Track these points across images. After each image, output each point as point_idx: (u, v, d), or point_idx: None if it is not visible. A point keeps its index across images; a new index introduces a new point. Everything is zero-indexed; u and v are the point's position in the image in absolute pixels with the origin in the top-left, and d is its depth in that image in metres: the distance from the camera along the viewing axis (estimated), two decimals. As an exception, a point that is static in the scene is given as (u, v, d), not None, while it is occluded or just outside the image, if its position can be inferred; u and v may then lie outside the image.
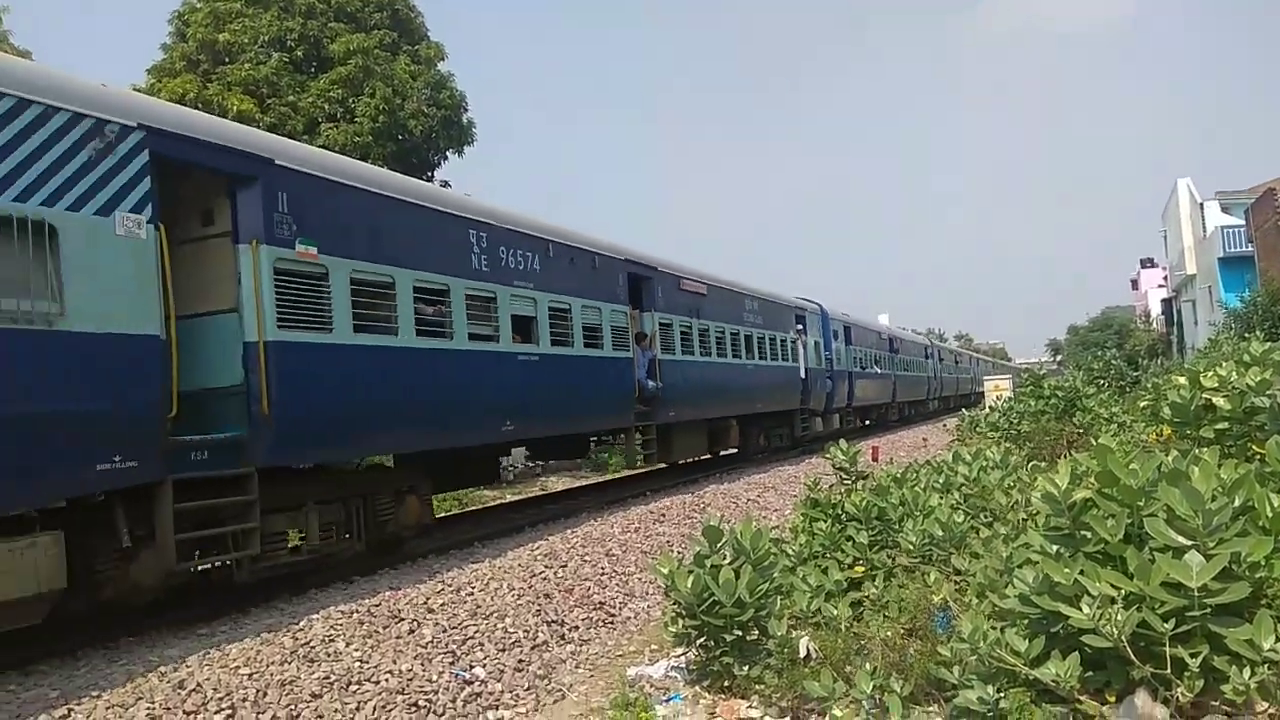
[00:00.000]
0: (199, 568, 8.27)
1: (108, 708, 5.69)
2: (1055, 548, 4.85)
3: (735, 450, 21.04)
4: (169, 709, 5.67)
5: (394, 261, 10.07)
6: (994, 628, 5.24)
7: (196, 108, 16.64)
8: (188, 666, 6.36)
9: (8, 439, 6.27)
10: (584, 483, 21.65)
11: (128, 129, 7.33)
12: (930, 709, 5.64)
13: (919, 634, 6.20)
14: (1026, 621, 5.03)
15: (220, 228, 8.54)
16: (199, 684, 6.01)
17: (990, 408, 23.04)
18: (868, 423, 34.35)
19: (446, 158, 26.78)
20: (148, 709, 5.65)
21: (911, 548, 7.32)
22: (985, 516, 8.32)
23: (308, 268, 8.91)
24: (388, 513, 10.50)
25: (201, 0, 24.50)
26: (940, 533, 7.36)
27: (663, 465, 19.34)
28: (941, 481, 9.33)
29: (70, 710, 5.68)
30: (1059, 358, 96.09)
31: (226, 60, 23.68)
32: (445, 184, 24.92)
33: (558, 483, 22.20)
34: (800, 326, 24.93)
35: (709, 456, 20.68)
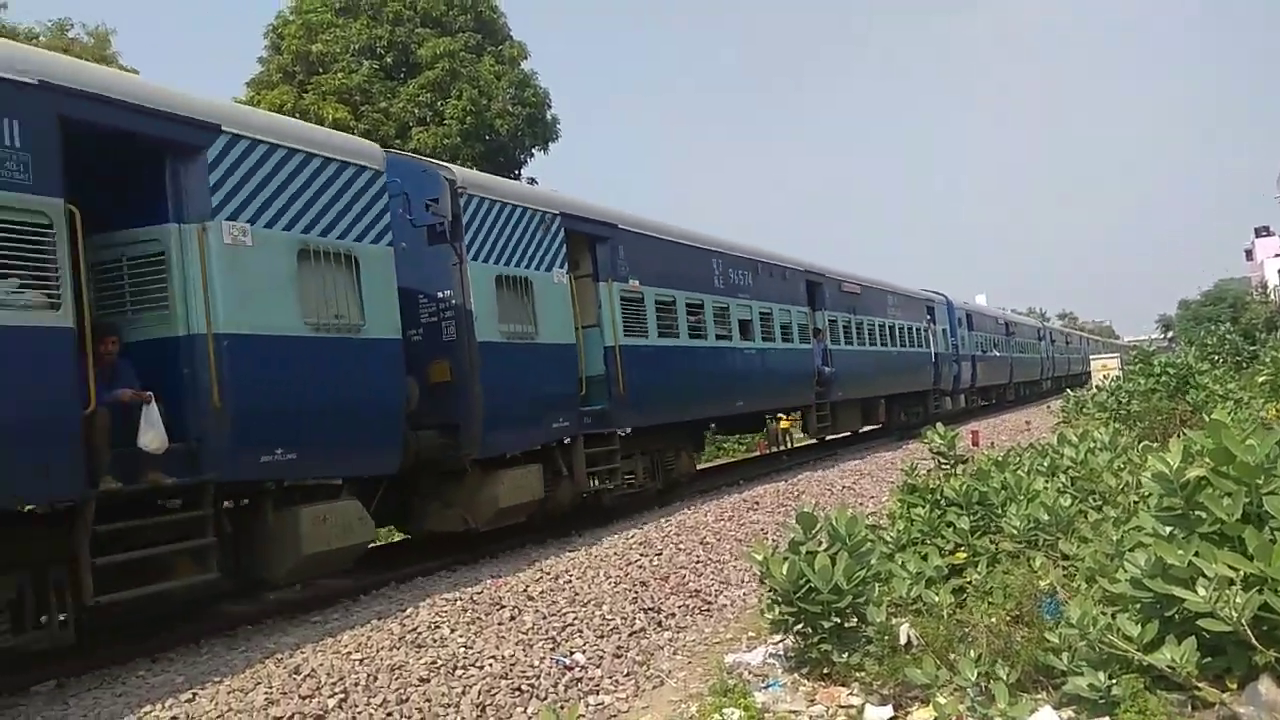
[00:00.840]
0: (591, 492, 12.23)
1: (229, 692, 5.98)
2: (1168, 529, 4.67)
3: (880, 425, 24.06)
4: (285, 693, 5.92)
5: (675, 286, 14.35)
6: (1105, 613, 5.09)
7: (295, 117, 17.26)
8: (303, 653, 6.65)
9: (531, 409, 10.83)
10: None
11: (555, 216, 11.68)
12: (1038, 696, 5.50)
13: (1025, 620, 6.05)
14: (1139, 606, 4.87)
15: (585, 270, 12.60)
16: (313, 669, 6.27)
17: (1097, 387, 22.21)
18: (987, 403, 35.82)
19: (532, 155, 27.19)
20: (266, 693, 5.92)
21: (1015, 532, 7.13)
22: (1093, 500, 8.06)
23: (634, 295, 13.19)
24: (671, 464, 14.36)
25: (294, 13, 25.38)
26: (1046, 517, 7.15)
27: (773, 450, 23.03)
28: (1046, 465, 9.06)
29: (195, 694, 5.99)
30: (1169, 334, 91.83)
31: (320, 70, 24.51)
32: (533, 181, 25.28)
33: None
34: (930, 317, 27.82)
35: (862, 430, 24.18)
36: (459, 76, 24.48)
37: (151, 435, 6.76)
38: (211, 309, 7.23)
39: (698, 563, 10.07)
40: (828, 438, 21.30)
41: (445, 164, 11.65)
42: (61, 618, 6.61)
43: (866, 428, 23.72)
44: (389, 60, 25.14)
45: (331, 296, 8.26)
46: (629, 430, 12.74)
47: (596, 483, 12.24)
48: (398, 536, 12.41)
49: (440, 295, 10.13)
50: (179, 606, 7.62)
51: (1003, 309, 49.65)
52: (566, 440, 11.44)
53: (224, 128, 7.54)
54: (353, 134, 15.92)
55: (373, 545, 10.72)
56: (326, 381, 8.16)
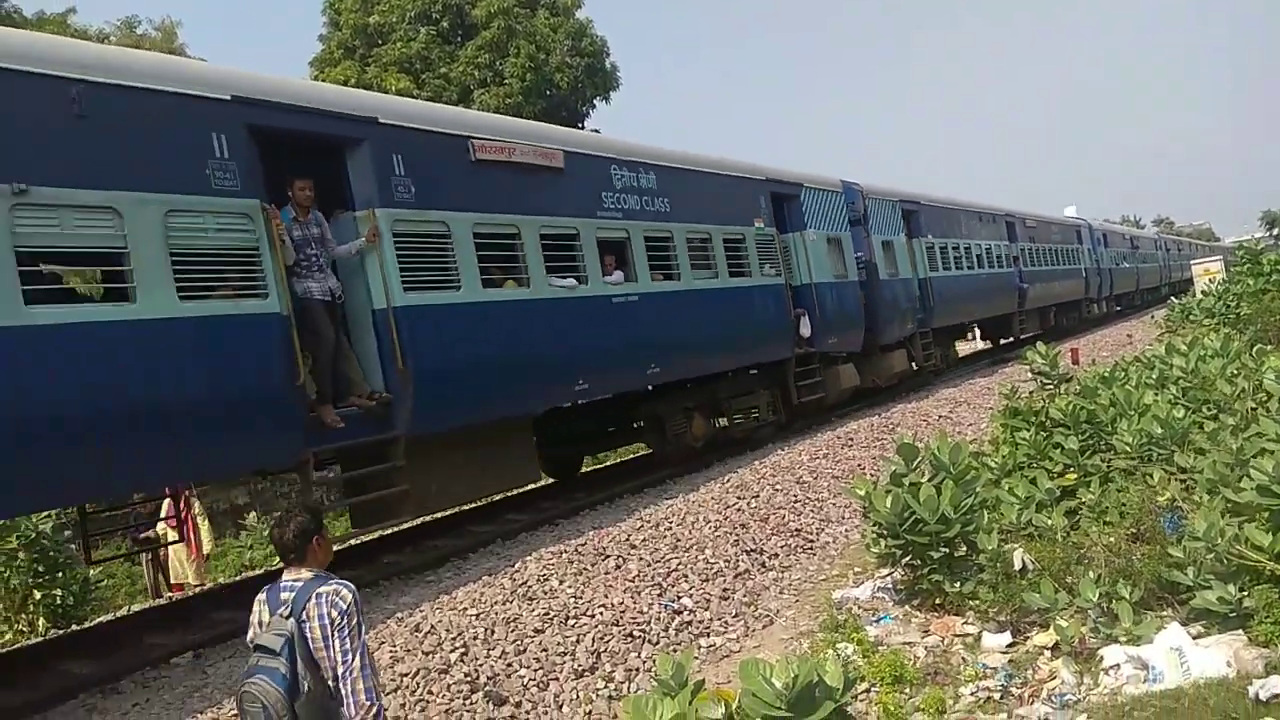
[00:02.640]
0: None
1: (357, 652, 6.23)
2: (1298, 433, 4.44)
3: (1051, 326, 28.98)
4: (409, 650, 6.14)
5: (951, 236, 21.16)
6: (1231, 524, 4.90)
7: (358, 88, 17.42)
8: (421, 611, 6.87)
9: (900, 320, 17.31)
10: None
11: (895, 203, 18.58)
12: (1164, 614, 5.36)
13: (1144, 538, 5.89)
14: (1268, 514, 4.67)
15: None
16: (433, 626, 6.47)
17: (1202, 293, 21.22)
18: (1120, 309, 39.92)
19: (594, 106, 26.97)
20: (390, 651, 6.14)
21: (1128, 449, 6.91)
22: (1207, 409, 7.75)
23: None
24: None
25: (350, -14, 25.53)
26: (1159, 430, 6.91)
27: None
28: (1155, 377, 8.73)
29: (325, 656, 6.26)
30: (1275, 231, 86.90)
31: (379, 42, 24.65)
32: (596, 131, 25.11)
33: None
34: (1078, 239, 33.02)
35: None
36: (515, 33, 24.34)
37: None
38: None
39: (796, 502, 10.04)
40: (1022, 337, 25.59)
41: (856, 182, 17.28)
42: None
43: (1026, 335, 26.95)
44: (445, 24, 25.13)
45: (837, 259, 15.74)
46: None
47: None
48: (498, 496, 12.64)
49: (859, 255, 16.44)
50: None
51: (1101, 220, 46.36)
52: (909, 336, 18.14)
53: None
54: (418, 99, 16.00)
55: (475, 505, 10.90)
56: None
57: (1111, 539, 5.85)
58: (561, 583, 7.35)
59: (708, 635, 6.78)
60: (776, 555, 8.46)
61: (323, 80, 22.82)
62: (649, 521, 9.11)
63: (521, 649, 6.22)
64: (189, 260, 6.50)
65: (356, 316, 8.07)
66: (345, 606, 3.48)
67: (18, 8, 21.93)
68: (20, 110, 5.79)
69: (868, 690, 5.26)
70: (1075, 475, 7.17)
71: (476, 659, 6.03)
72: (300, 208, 7.67)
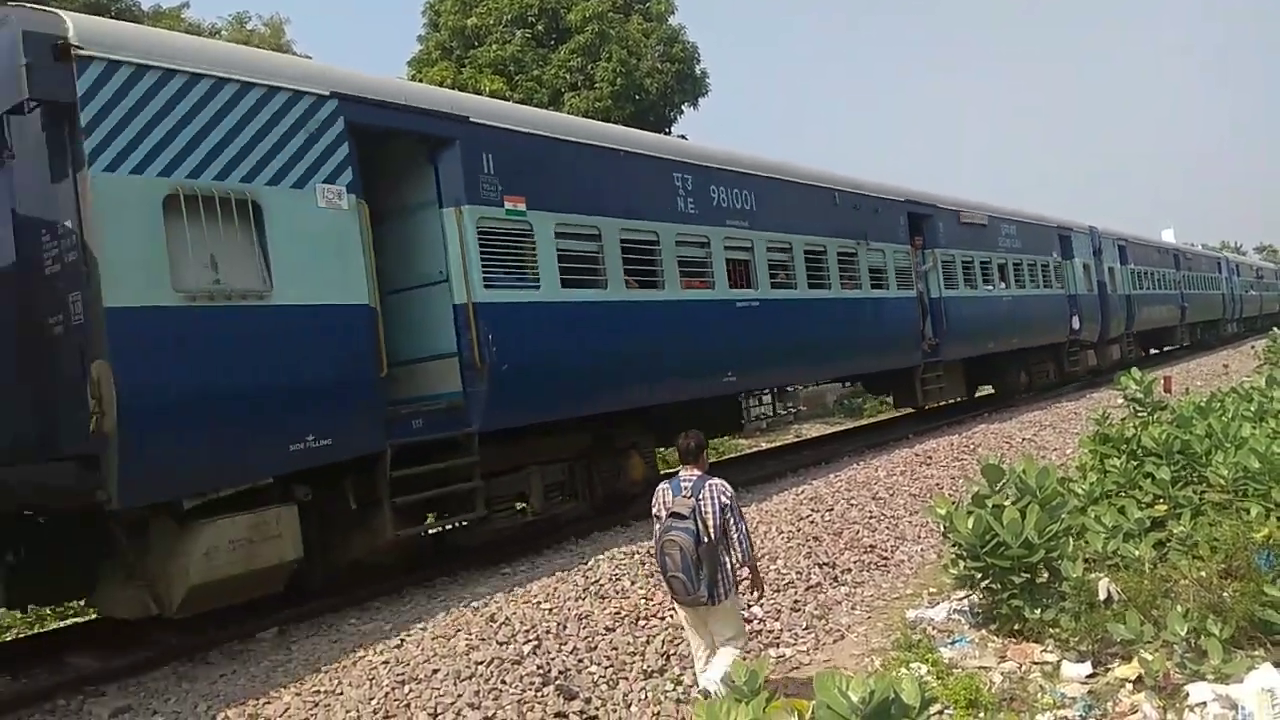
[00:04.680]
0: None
1: (433, 639, 6.40)
2: None
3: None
4: (484, 639, 6.29)
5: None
6: (1334, 566, 4.71)
7: (453, 89, 17.83)
8: (496, 602, 7.02)
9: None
10: (838, 428, 21.40)
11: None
12: (1255, 653, 5.18)
13: (1236, 574, 5.69)
14: (1377, 559, 4.47)
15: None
16: (508, 617, 6.62)
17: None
18: (1243, 331, 42.75)
19: (683, 112, 27.05)
20: (466, 640, 6.30)
21: (1223, 482, 6.68)
22: (1311, 446, 7.42)
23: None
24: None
25: (450, -11, 26.10)
26: (1256, 464, 6.66)
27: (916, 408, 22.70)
28: (1254, 409, 8.41)
29: (403, 640, 6.44)
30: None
31: (476, 44, 25.15)
32: (683, 137, 25.19)
33: (811, 429, 22.10)
34: (1218, 269, 38.77)
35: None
36: (608, 38, 24.57)
37: None
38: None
39: (871, 518, 9.94)
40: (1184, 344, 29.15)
41: (1096, 226, 22.61)
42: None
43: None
44: (540, 28, 25.50)
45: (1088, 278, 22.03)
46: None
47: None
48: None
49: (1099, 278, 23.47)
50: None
51: (1190, 244, 45.97)
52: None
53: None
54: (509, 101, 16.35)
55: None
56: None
57: (1202, 573, 5.68)
58: (633, 583, 7.42)
59: (777, 645, 6.77)
60: (849, 570, 8.39)
61: (420, 80, 23.40)
62: (722, 528, 9.11)
63: (593, 646, 6.32)
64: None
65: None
66: (730, 492, 5.42)
67: (136, 3, 23.00)
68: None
69: (940, 712, 5.20)
70: (1166, 506, 6.96)
71: (549, 653, 6.14)
72: None
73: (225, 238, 6.46)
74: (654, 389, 10.20)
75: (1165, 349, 32.05)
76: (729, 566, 5.36)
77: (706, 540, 5.22)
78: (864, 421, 22.37)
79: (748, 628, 6.89)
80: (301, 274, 6.84)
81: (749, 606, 7.14)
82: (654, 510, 5.54)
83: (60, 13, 6.14)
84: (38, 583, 6.89)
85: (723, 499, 5.32)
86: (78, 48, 5.91)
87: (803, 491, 10.97)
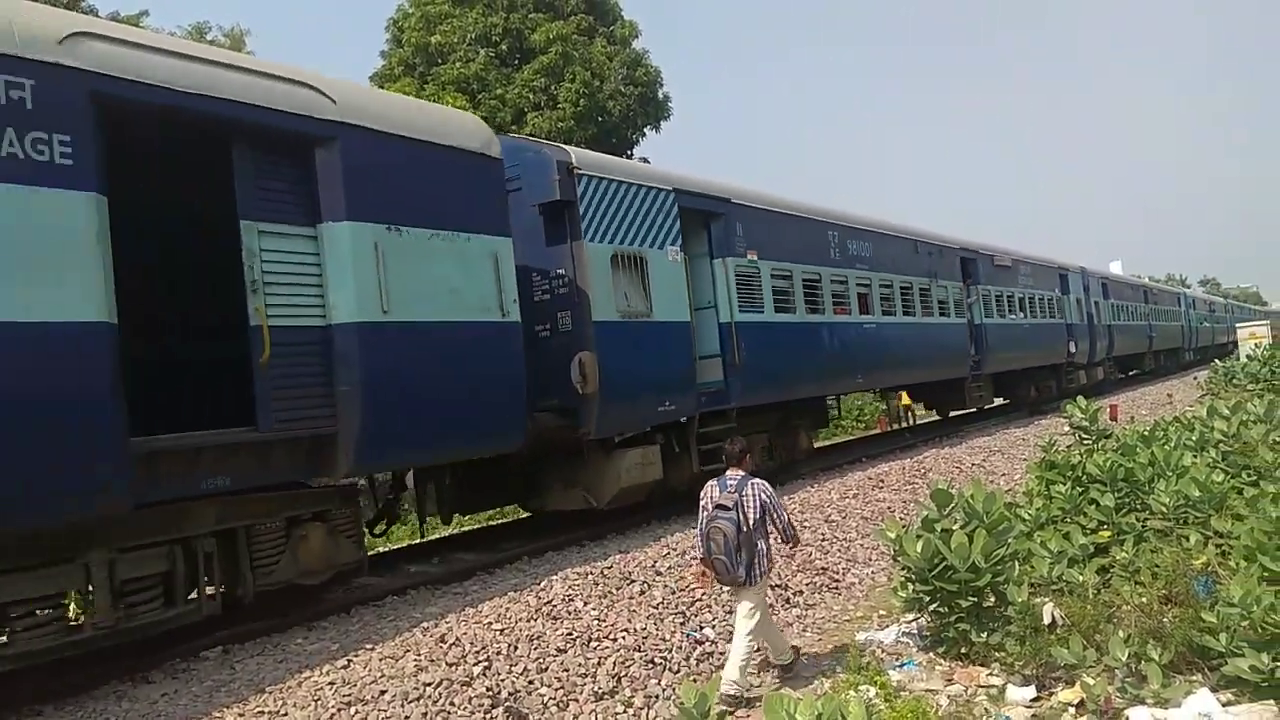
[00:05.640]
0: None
1: (381, 659, 6.31)
2: (1342, 506, 4.40)
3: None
4: (433, 660, 6.21)
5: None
6: (1267, 592, 4.85)
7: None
8: (447, 622, 6.94)
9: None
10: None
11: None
12: (1193, 678, 5.30)
13: (1177, 600, 5.82)
14: (1308, 586, 4.61)
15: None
16: (458, 638, 6.55)
17: (1248, 357, 20.89)
18: (1125, 375, 41.44)
19: (644, 135, 27.23)
20: (415, 660, 6.22)
21: (1165, 509, 6.85)
22: (1248, 475, 7.65)
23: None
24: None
25: (414, 6, 26.07)
26: (1197, 493, 6.84)
27: (894, 427, 25.37)
28: (1195, 439, 8.63)
29: (350, 661, 6.34)
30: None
31: (439, 61, 25.12)
32: (645, 160, 25.36)
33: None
34: (1178, 303, 42.28)
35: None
36: (572, 60, 24.69)
37: None
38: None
39: (823, 540, 10.01)
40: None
41: (1083, 266, 27.00)
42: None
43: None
44: (504, 47, 25.55)
45: (1080, 309, 26.64)
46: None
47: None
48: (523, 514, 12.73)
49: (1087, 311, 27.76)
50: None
51: (1137, 275, 49.23)
52: None
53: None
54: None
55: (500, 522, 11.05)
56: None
57: (1143, 599, 5.80)
58: (586, 604, 7.40)
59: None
60: (801, 592, 8.44)
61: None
62: (675, 549, 9.13)
63: (543, 667, 6.27)
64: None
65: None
66: (770, 490, 6.34)
67: (94, 7, 22.67)
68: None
69: (888, 734, 5.24)
70: (1109, 533, 7.11)
71: (499, 674, 6.09)
72: None
73: (630, 280, 10.48)
74: (817, 385, 14.41)
75: (1132, 373, 36.60)
76: (764, 552, 6.21)
77: (745, 529, 6.10)
78: (820, 443, 22.53)
79: (699, 649, 6.91)
80: (664, 301, 10.86)
81: (701, 628, 7.16)
82: (702, 502, 6.36)
83: (569, 148, 10.45)
84: (467, 500, 10.54)
85: (763, 496, 6.24)
86: (577, 168, 9.91)
87: (757, 514, 11.02)
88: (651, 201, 10.90)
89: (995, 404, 23.63)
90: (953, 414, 22.77)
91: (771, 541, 6.38)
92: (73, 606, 6.59)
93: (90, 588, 6.18)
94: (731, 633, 7.28)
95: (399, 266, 7.56)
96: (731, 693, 5.93)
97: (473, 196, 8.51)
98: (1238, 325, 42.85)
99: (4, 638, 5.96)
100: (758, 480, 6.32)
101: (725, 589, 6.65)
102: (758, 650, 6.33)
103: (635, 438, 10.55)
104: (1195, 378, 27.68)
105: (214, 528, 6.80)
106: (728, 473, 6.42)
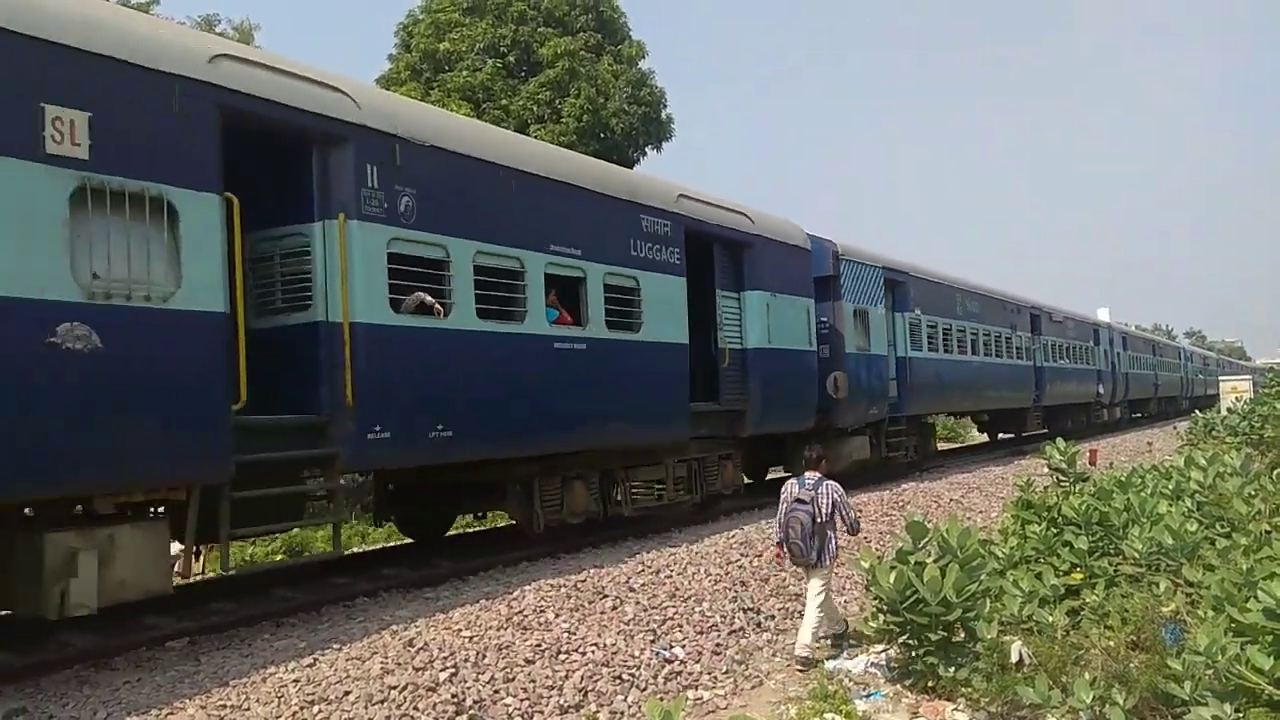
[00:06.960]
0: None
1: (347, 660, 6.28)
2: (1309, 560, 4.45)
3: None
4: (400, 664, 6.19)
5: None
6: (1233, 643, 4.88)
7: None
8: (416, 627, 6.92)
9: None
10: (774, 477, 21.54)
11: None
12: (1156, 725, 5.31)
13: (1144, 646, 5.85)
14: (1271, 638, 4.66)
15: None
16: (426, 643, 6.52)
17: (1228, 410, 21.09)
18: (1137, 415, 45.80)
19: (645, 154, 27.33)
20: (381, 663, 6.20)
21: (1137, 555, 6.88)
22: (1221, 526, 7.70)
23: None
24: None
25: (425, 12, 26.16)
26: (1170, 541, 6.88)
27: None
28: (1171, 487, 8.69)
29: (316, 660, 6.31)
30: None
31: (446, 68, 25.19)
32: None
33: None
34: (1178, 356, 47.55)
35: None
36: (578, 75, 24.79)
37: None
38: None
39: (797, 567, 10.01)
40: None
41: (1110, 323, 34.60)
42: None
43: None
44: (511, 59, 25.63)
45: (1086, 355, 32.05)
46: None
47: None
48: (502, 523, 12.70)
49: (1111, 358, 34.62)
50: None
51: (1124, 323, 51.01)
52: None
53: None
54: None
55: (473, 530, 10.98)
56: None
57: (1111, 643, 5.82)
58: (557, 616, 7.38)
59: (696, 688, 6.77)
60: (773, 617, 8.44)
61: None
62: (650, 566, 9.13)
63: (510, 677, 6.25)
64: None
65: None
66: (842, 490, 7.53)
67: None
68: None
69: (850, 763, 5.24)
70: (1081, 575, 7.14)
71: (465, 681, 6.06)
72: None
73: (860, 327, 16.13)
74: (946, 405, 21.53)
75: (1139, 415, 42.14)
76: (833, 542, 7.48)
77: (819, 521, 7.35)
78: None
79: (667, 667, 6.91)
80: (877, 342, 16.61)
81: (670, 646, 7.16)
82: (783, 496, 7.65)
83: (835, 240, 15.72)
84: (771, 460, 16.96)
85: (835, 495, 7.43)
86: (840, 254, 15.56)
87: (734, 535, 11.04)
88: (871, 275, 16.63)
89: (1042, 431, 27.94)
90: (1000, 435, 28.99)
91: (839, 534, 7.61)
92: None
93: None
94: (701, 654, 7.31)
95: (775, 316, 13.33)
96: (804, 655, 7.17)
97: (797, 273, 14.36)
98: (1221, 379, 43.66)
99: None
100: (831, 481, 7.53)
101: (798, 569, 8.00)
102: (823, 621, 7.48)
103: (857, 429, 15.76)
104: (1175, 427, 27.92)
105: (695, 456, 12.55)
106: (806, 474, 7.59)
